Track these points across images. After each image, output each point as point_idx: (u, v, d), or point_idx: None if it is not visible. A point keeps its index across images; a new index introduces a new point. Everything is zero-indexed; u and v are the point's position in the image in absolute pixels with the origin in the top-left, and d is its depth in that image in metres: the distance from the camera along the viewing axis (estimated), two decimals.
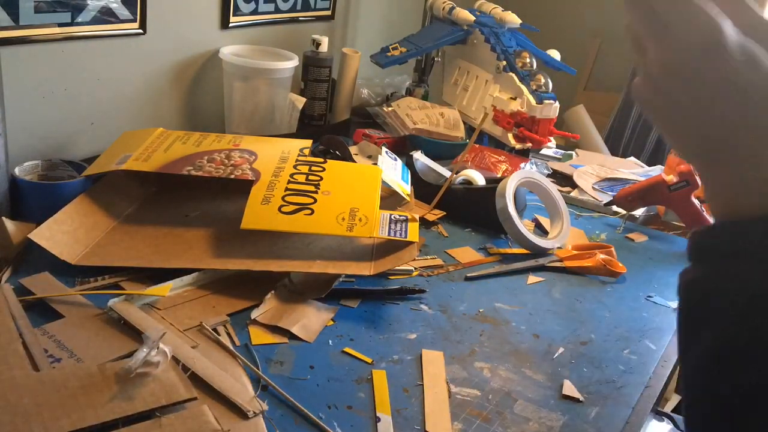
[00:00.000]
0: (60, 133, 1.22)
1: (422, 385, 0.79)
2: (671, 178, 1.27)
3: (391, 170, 1.23)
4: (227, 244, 1.01)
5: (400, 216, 1.04)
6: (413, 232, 1.01)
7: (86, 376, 0.69)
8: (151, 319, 0.82)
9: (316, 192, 1.04)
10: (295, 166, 1.10)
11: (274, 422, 0.70)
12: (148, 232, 1.03)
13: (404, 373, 0.81)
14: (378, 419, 0.73)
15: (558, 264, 1.12)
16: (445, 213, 1.24)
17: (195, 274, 0.93)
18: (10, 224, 0.95)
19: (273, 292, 0.91)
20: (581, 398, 0.81)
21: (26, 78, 1.13)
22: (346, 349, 0.84)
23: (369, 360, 0.83)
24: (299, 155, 1.14)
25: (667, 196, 1.27)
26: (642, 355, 0.92)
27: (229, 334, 0.83)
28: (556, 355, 0.89)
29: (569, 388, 0.82)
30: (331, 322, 0.89)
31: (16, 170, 1.04)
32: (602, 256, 1.13)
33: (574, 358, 0.89)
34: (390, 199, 1.22)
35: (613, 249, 1.16)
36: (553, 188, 1.24)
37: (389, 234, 0.99)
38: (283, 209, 0.99)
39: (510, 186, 1.17)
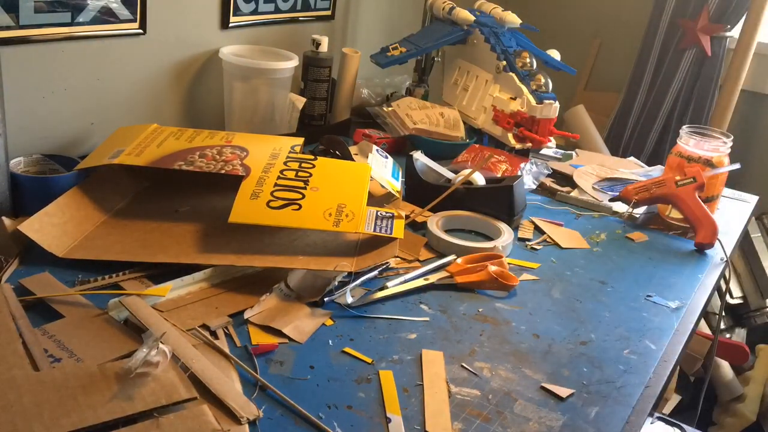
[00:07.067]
0: (60, 132, 1.22)
1: (422, 385, 0.79)
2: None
3: (381, 167, 1.23)
4: (214, 240, 1.01)
5: (386, 213, 1.05)
6: (398, 229, 1.01)
7: (86, 376, 0.69)
8: (157, 314, 0.82)
9: (305, 188, 1.04)
10: (285, 163, 1.10)
11: (274, 422, 0.70)
12: (137, 227, 1.04)
13: (404, 373, 0.81)
14: (389, 420, 0.73)
15: (449, 281, 1.02)
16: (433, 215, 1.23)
17: (196, 275, 0.92)
18: (10, 223, 0.95)
19: (269, 293, 0.91)
20: (563, 395, 0.81)
21: (26, 78, 1.13)
22: (346, 349, 0.84)
23: (369, 360, 0.83)
24: (290, 152, 1.14)
25: (674, 191, 1.29)
26: (642, 355, 0.92)
27: (230, 336, 0.83)
28: (556, 355, 0.89)
29: (550, 385, 0.83)
30: (331, 322, 0.89)
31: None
32: (493, 268, 1.02)
33: (574, 358, 0.89)
34: (384, 197, 1.23)
35: (504, 259, 1.07)
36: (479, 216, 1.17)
37: (375, 230, 1.00)
38: (271, 204, 0.99)
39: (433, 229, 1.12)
